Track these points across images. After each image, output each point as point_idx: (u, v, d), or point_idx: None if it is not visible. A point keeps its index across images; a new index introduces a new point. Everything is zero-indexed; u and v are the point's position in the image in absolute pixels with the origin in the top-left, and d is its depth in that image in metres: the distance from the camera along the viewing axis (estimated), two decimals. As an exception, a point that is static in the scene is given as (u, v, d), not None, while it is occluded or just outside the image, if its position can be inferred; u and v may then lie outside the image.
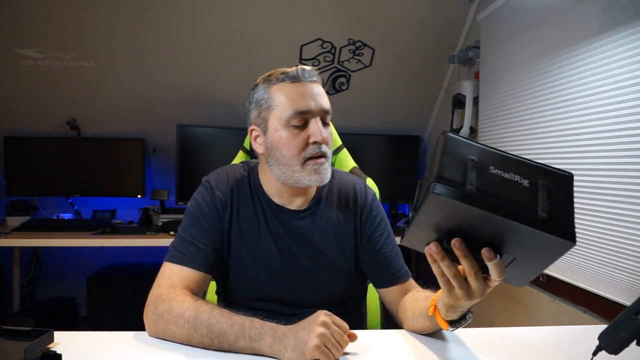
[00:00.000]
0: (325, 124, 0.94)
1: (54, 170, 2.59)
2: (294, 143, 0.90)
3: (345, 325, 0.75)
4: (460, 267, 0.65)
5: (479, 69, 2.18)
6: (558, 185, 0.58)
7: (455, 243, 0.61)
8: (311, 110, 0.90)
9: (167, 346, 0.79)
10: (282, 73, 0.92)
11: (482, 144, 0.60)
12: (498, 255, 0.61)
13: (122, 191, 2.67)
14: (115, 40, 2.30)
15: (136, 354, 0.76)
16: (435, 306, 0.77)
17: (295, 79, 0.91)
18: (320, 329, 0.71)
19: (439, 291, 0.78)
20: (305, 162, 0.90)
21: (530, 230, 0.55)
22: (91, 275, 2.57)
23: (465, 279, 0.65)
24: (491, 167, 0.58)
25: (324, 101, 0.93)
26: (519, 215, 0.55)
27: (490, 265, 0.61)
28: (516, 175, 0.58)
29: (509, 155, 0.60)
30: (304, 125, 0.90)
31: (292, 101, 0.89)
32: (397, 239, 1.03)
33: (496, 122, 1.99)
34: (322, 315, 0.74)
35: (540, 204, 0.56)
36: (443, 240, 0.63)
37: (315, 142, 0.90)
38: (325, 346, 0.70)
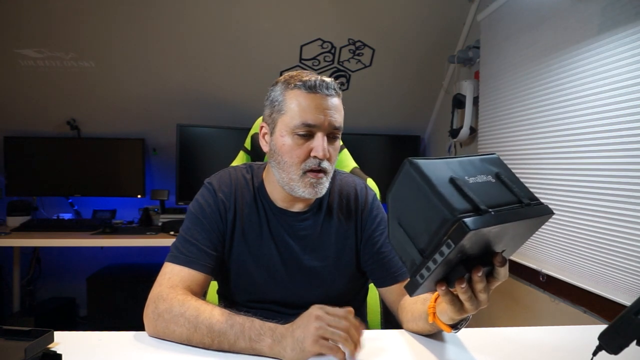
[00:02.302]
0: (333, 139, 0.92)
1: (54, 170, 2.59)
2: (295, 152, 0.90)
3: (339, 311, 0.73)
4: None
5: (479, 69, 2.18)
6: (500, 167, 0.66)
7: (477, 274, 0.62)
8: (319, 125, 0.89)
9: (167, 346, 0.79)
10: (301, 80, 0.89)
11: (437, 158, 0.61)
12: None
13: (122, 191, 2.67)
14: (115, 40, 2.30)
15: (136, 354, 0.76)
16: (434, 313, 0.77)
17: (311, 89, 0.89)
18: (315, 324, 0.71)
19: (435, 295, 0.78)
20: (304, 173, 0.90)
21: (531, 220, 0.60)
22: (91, 275, 2.57)
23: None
24: (466, 177, 0.60)
25: (336, 117, 0.91)
26: (523, 213, 0.59)
27: (501, 269, 0.64)
28: (481, 175, 0.62)
29: (455, 159, 0.63)
30: (309, 136, 0.90)
31: (302, 111, 0.88)
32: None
33: (496, 122, 1.99)
34: (315, 310, 0.73)
35: (516, 193, 0.62)
36: (457, 271, 0.62)
37: (315, 157, 0.89)
38: (324, 338, 0.70)
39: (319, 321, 0.71)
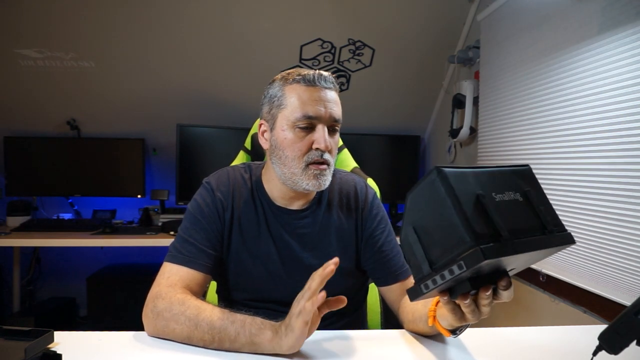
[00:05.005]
0: (333, 132, 0.93)
1: (54, 170, 2.59)
2: (297, 145, 0.90)
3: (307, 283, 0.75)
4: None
5: (479, 69, 2.18)
6: (531, 183, 0.63)
7: (485, 293, 0.62)
8: (320, 116, 0.89)
9: (167, 346, 0.79)
10: (299, 74, 0.91)
11: (467, 167, 0.59)
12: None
13: (122, 191, 2.67)
14: (115, 40, 2.30)
15: (136, 354, 0.76)
16: (434, 317, 0.77)
17: (310, 82, 0.90)
18: (294, 303, 0.74)
19: (435, 299, 0.78)
20: (307, 166, 0.90)
21: (550, 249, 0.59)
22: (91, 275, 2.57)
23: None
24: (494, 194, 0.57)
25: (335, 109, 0.92)
26: (543, 242, 0.58)
27: (504, 292, 0.64)
28: (510, 192, 0.59)
29: (486, 170, 0.60)
30: (310, 129, 0.90)
31: (302, 104, 0.89)
32: (398, 239, 1.03)
33: (496, 122, 1.99)
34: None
35: (542, 217, 0.59)
36: (463, 286, 0.61)
37: (317, 149, 0.90)
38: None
39: (296, 300, 0.74)
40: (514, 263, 0.62)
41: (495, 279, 0.63)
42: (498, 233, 0.53)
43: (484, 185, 0.57)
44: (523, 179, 0.63)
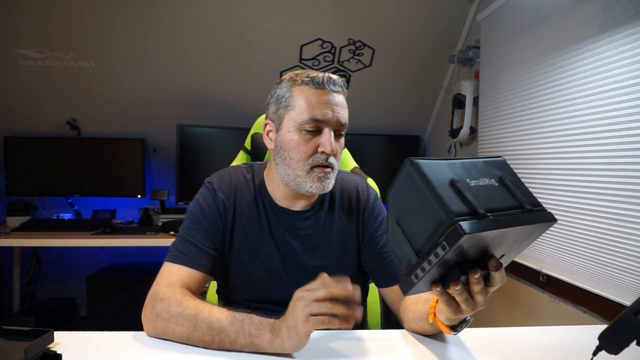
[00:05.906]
0: (338, 136, 0.93)
1: (54, 170, 2.59)
2: (303, 148, 0.90)
3: (316, 283, 0.71)
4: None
5: (479, 69, 2.18)
6: (505, 171, 0.64)
7: (474, 275, 0.61)
8: (327, 120, 0.89)
9: (166, 346, 0.79)
10: (308, 76, 0.90)
11: (440, 159, 0.60)
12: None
13: (122, 191, 2.67)
14: (115, 40, 2.30)
15: (136, 354, 0.76)
16: (434, 313, 0.77)
17: (319, 85, 0.89)
18: (299, 304, 0.70)
19: (436, 297, 0.78)
20: (311, 169, 0.90)
21: (531, 227, 0.59)
22: (91, 275, 2.57)
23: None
24: (468, 180, 0.59)
25: (343, 113, 0.91)
26: (522, 219, 0.58)
27: (496, 274, 0.63)
28: (484, 179, 0.61)
29: (459, 160, 0.62)
30: (316, 132, 0.90)
31: (310, 107, 0.89)
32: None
33: (496, 122, 1.99)
34: (297, 293, 0.73)
35: (519, 198, 0.60)
36: (452, 273, 0.61)
37: (323, 152, 0.90)
38: (314, 315, 0.69)
39: (302, 300, 0.71)
40: (501, 247, 0.62)
41: (486, 265, 0.63)
42: (475, 211, 0.55)
43: (457, 173, 0.59)
44: (497, 168, 0.64)
